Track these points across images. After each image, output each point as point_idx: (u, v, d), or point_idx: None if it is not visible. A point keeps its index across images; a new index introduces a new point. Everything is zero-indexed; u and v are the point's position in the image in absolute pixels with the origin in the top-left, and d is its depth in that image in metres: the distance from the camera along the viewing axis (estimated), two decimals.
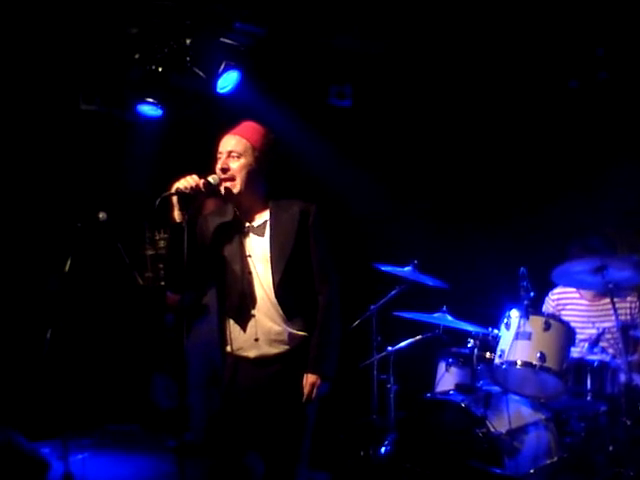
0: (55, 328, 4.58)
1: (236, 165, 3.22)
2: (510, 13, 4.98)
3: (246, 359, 3.22)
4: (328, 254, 3.30)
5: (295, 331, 3.21)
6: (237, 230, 3.28)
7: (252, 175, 3.24)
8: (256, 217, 3.29)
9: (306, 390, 3.18)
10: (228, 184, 3.22)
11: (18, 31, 5.18)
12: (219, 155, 3.27)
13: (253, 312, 3.20)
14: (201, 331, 4.55)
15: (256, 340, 3.19)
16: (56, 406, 5.03)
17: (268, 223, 3.26)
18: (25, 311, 5.78)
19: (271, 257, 3.21)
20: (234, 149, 3.24)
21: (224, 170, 3.22)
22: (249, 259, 3.23)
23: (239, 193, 3.24)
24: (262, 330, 3.19)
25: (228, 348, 3.26)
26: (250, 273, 3.21)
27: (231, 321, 3.25)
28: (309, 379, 3.18)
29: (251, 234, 3.27)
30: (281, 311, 3.19)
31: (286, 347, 3.20)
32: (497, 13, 5.01)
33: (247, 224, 3.28)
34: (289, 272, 3.19)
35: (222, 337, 3.28)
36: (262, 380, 3.20)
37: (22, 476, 4.30)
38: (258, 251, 3.24)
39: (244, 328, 3.21)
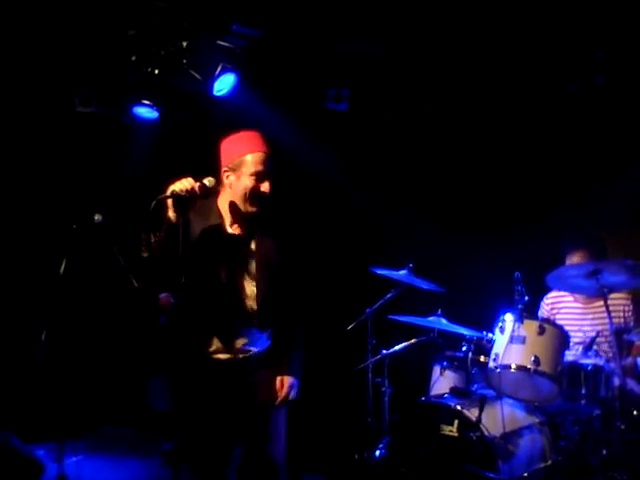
0: (50, 330, 4.58)
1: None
2: (509, 17, 4.99)
3: (217, 361, 3.28)
4: (307, 276, 3.47)
5: (268, 338, 3.35)
6: (222, 235, 3.32)
7: None
8: (242, 223, 3.35)
9: (284, 391, 3.35)
10: (260, 208, 3.30)
11: (14, 33, 5.17)
12: (260, 177, 3.28)
13: (230, 317, 3.27)
14: (193, 334, 4.54)
15: (229, 344, 3.27)
16: (51, 408, 5.03)
17: (254, 233, 3.35)
18: (20, 313, 5.78)
19: (256, 268, 3.30)
20: (270, 172, 3.31)
21: (269, 197, 3.30)
22: (232, 265, 3.28)
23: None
24: (238, 335, 3.28)
25: (204, 350, 3.30)
26: (231, 279, 3.27)
27: (207, 324, 3.29)
28: (287, 381, 3.37)
29: (236, 240, 3.32)
30: (258, 320, 3.29)
31: (256, 351, 3.31)
32: (496, 16, 5.02)
33: (232, 230, 3.35)
34: (271, 285, 3.32)
35: (197, 339, 3.31)
36: (234, 383, 3.28)
37: (16, 477, 4.29)
38: (242, 258, 3.30)
39: (219, 332, 3.27)
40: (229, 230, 3.34)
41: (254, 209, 3.28)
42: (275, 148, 3.40)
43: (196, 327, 3.31)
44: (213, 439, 3.26)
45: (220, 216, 3.33)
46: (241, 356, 3.29)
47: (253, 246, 3.33)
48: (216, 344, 3.29)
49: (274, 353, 3.37)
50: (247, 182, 3.26)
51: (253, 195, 3.26)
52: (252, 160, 3.26)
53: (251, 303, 3.29)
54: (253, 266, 3.30)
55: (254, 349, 3.32)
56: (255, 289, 3.28)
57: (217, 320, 3.28)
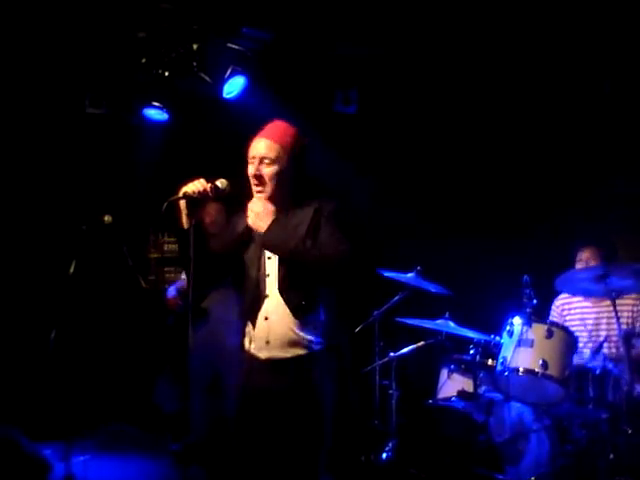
0: (59, 330, 4.60)
1: (269, 171, 3.14)
2: (508, 19, 5.02)
3: (258, 359, 3.17)
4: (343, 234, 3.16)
5: (310, 336, 3.13)
6: (250, 229, 3.21)
7: (284, 181, 3.17)
8: (266, 212, 3.18)
9: None
10: (259, 190, 3.16)
11: (25, 34, 5.20)
12: (251, 160, 3.19)
13: (266, 314, 3.15)
14: (202, 334, 4.57)
15: (267, 343, 3.14)
16: (59, 407, 5.04)
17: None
18: (30, 312, 5.80)
19: (279, 262, 3.16)
20: (267, 155, 3.15)
21: (257, 177, 3.15)
22: (268, 261, 3.18)
23: (270, 198, 3.18)
24: (274, 332, 3.13)
25: (246, 346, 3.21)
26: (267, 275, 3.17)
27: (248, 326, 3.21)
28: None
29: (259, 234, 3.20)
30: (292, 313, 3.11)
31: (299, 352, 3.12)
32: (504, 21, 5.04)
33: (257, 223, 3.18)
34: (293, 267, 3.11)
35: (241, 335, 3.24)
36: (273, 383, 3.14)
37: (23, 477, 4.30)
38: (264, 254, 3.20)
39: (257, 329, 3.17)
40: (255, 224, 3.20)
41: (255, 193, 3.17)
42: (309, 146, 3.28)
43: (239, 324, 3.25)
44: (240, 440, 3.16)
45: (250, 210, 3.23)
46: (277, 356, 3.14)
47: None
48: (254, 341, 3.18)
49: (321, 355, 3.12)
50: (248, 168, 3.21)
51: (250, 180, 3.18)
52: (251, 145, 3.21)
53: (275, 300, 3.15)
54: (274, 261, 3.17)
55: (292, 349, 3.13)
56: (277, 274, 3.15)
57: (252, 318, 3.18)
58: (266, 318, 3.16)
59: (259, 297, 3.18)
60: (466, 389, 4.59)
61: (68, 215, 5.71)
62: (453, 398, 4.56)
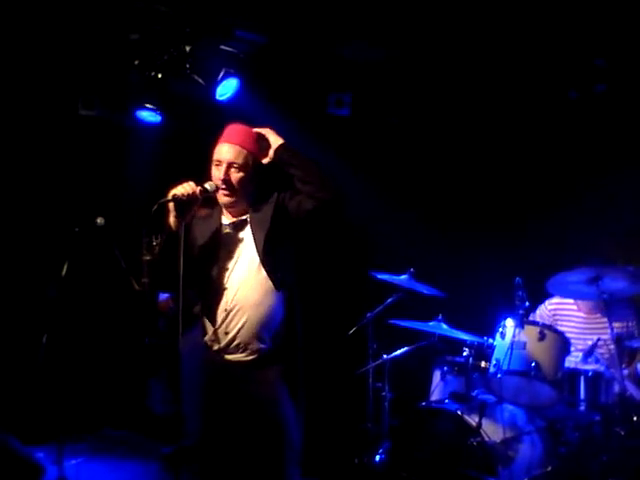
0: (51, 333, 4.59)
1: (238, 177, 3.28)
2: (510, 21, 5.01)
3: (217, 358, 3.29)
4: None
5: (265, 337, 3.25)
6: (220, 230, 3.33)
7: (251, 183, 3.33)
8: (242, 214, 3.36)
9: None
10: (227, 194, 3.28)
11: (18, 35, 5.19)
12: (217, 163, 3.30)
13: (224, 317, 3.26)
14: (193, 337, 4.56)
15: (226, 343, 3.26)
16: (51, 410, 5.03)
17: (249, 219, 3.34)
18: (22, 315, 5.79)
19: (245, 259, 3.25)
20: (235, 161, 3.29)
21: (226, 182, 3.27)
22: (229, 257, 3.28)
23: (236, 201, 3.32)
24: (233, 331, 3.25)
25: (206, 342, 3.32)
26: (227, 269, 3.26)
27: (207, 321, 3.31)
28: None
29: (232, 232, 3.32)
30: (255, 315, 3.23)
31: (254, 355, 3.26)
32: (497, 21, 5.03)
33: (231, 220, 3.35)
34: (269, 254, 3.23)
35: (203, 335, 3.34)
36: (233, 382, 3.27)
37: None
38: (237, 248, 3.29)
39: (217, 328, 3.28)
40: (224, 225, 3.35)
41: (220, 197, 3.29)
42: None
43: (201, 324, 3.32)
44: (213, 437, 3.28)
45: (219, 211, 3.38)
46: (236, 357, 3.27)
47: (243, 235, 3.32)
48: (211, 340, 3.31)
49: (273, 356, 3.28)
50: (212, 171, 3.32)
51: (216, 183, 3.28)
52: (216, 150, 3.35)
53: (245, 299, 3.25)
54: (243, 252, 3.29)
55: (247, 351, 3.27)
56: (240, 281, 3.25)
57: (213, 316, 3.28)
58: (223, 321, 3.24)
59: (220, 294, 3.26)
60: (459, 391, 4.59)
61: (61, 217, 5.70)
62: (446, 400, 4.55)
